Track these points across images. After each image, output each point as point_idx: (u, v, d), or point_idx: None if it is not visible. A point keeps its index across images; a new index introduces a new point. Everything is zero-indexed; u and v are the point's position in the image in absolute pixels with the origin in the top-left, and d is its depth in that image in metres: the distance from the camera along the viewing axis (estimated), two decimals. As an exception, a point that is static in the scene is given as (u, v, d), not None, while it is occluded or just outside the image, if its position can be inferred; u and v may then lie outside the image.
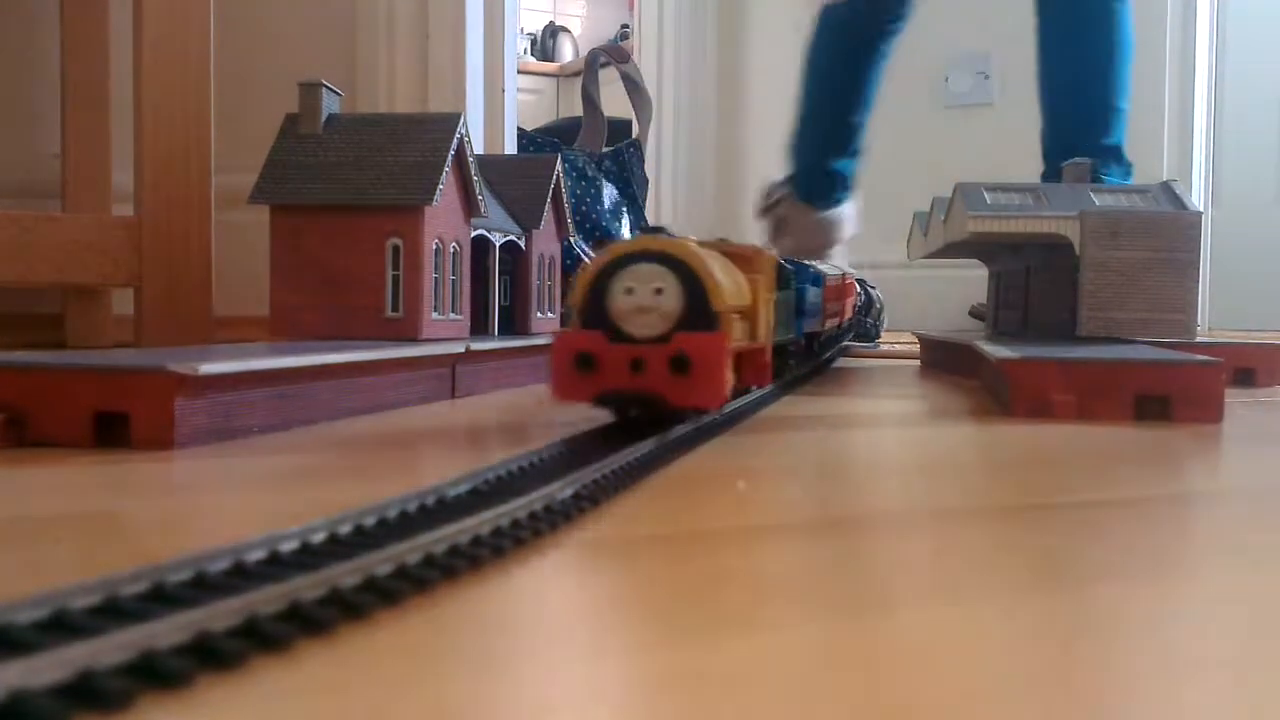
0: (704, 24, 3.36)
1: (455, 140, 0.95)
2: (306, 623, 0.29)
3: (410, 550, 0.35)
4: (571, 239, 1.49)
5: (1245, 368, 1.20)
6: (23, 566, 0.39)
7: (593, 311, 0.60)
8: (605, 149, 1.82)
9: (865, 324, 1.82)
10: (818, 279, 1.12)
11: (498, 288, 1.11)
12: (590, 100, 1.86)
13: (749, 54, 3.31)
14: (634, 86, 1.95)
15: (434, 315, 0.94)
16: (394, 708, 0.25)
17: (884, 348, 1.91)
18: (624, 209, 1.74)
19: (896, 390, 1.23)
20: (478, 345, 0.96)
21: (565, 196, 1.23)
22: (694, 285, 0.59)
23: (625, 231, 1.70)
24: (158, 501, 0.52)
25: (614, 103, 1.95)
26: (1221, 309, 2.73)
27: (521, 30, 4.38)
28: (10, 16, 1.53)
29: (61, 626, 0.26)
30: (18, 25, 1.53)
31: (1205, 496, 0.61)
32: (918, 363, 1.65)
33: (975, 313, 2.41)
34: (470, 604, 0.33)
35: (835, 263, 2.04)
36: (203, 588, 0.30)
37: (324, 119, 0.97)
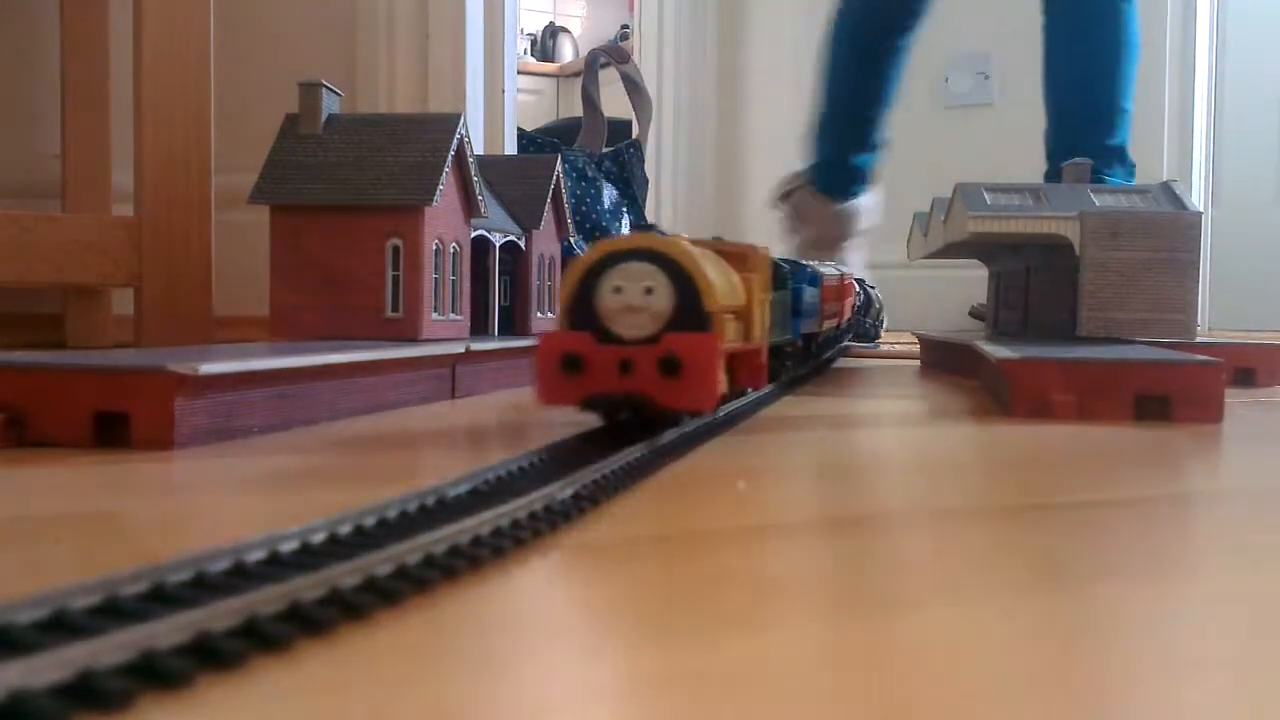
0: (704, 24, 3.36)
1: (455, 140, 0.95)
2: (306, 623, 0.29)
3: (410, 550, 0.35)
4: (571, 239, 1.49)
5: (1245, 368, 1.20)
6: (23, 566, 0.39)
7: (580, 311, 0.58)
8: (605, 149, 1.82)
9: (864, 324, 1.81)
10: (815, 279, 1.11)
11: (498, 288, 1.11)
12: (590, 100, 1.86)
13: (749, 54, 3.30)
14: (634, 87, 1.95)
15: (434, 315, 0.94)
16: (394, 708, 0.25)
17: (884, 348, 1.91)
18: (624, 209, 1.74)
19: (896, 390, 1.23)
20: (478, 345, 0.96)
21: (565, 197, 1.23)
22: (685, 284, 0.57)
23: (625, 232, 1.70)
24: (158, 501, 0.52)
25: (614, 103, 1.95)
26: (1221, 309, 2.73)
27: (521, 30, 4.38)
28: (10, 16, 1.53)
29: (61, 626, 0.26)
30: (18, 25, 1.53)
31: (1205, 496, 0.61)
32: (918, 363, 1.65)
33: (975, 313, 2.41)
34: (470, 604, 0.33)
35: (851, 258, 2.03)
36: (203, 588, 0.30)
37: (324, 119, 0.97)
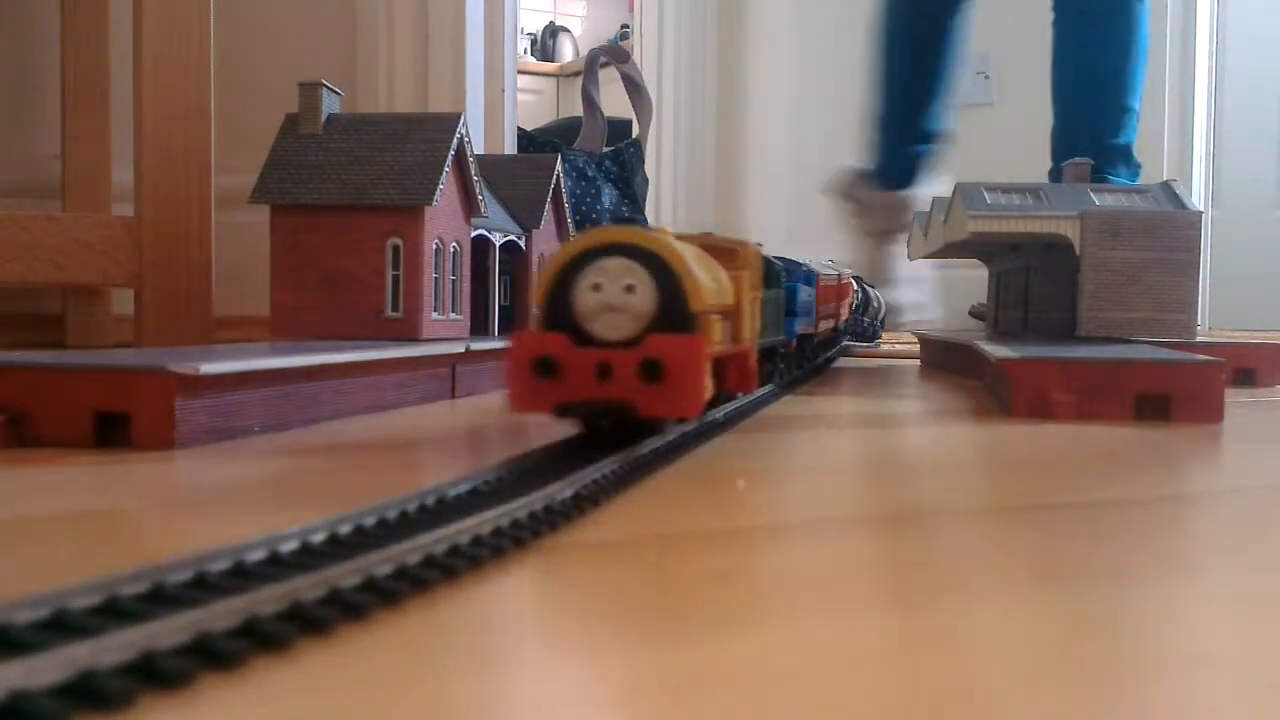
0: (704, 24, 3.36)
1: (455, 140, 0.95)
2: (306, 623, 0.29)
3: (410, 551, 0.35)
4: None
5: (1245, 368, 1.20)
6: (23, 566, 0.39)
7: (555, 311, 0.54)
8: (605, 149, 1.82)
9: (862, 323, 1.80)
10: (810, 278, 1.08)
11: (498, 288, 1.11)
12: (590, 100, 1.86)
13: (749, 54, 3.31)
14: (634, 86, 1.95)
15: (434, 315, 0.94)
16: (394, 708, 0.25)
17: (884, 348, 1.91)
18: (624, 209, 1.74)
19: (897, 390, 1.23)
20: (478, 345, 0.96)
21: (565, 196, 1.23)
22: (669, 282, 0.53)
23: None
24: (158, 501, 0.52)
25: (614, 103, 1.95)
26: (1222, 309, 2.73)
27: (521, 30, 4.38)
28: (10, 16, 1.53)
29: (62, 627, 0.26)
30: (18, 25, 1.53)
31: (1206, 496, 0.61)
32: (918, 363, 1.65)
33: (975, 313, 2.40)
34: (470, 604, 0.33)
35: (906, 278, 1.99)
36: (203, 588, 0.30)
37: (324, 119, 0.97)
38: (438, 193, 0.91)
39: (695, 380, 0.52)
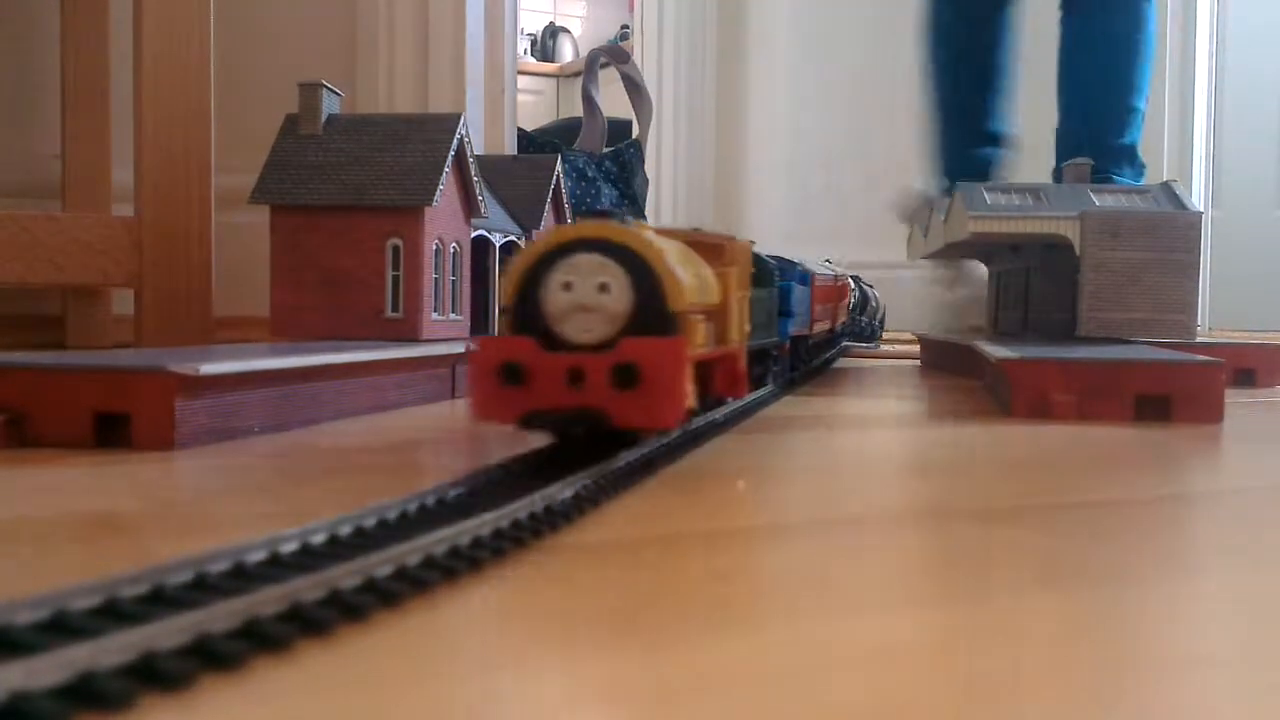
0: (704, 24, 3.36)
1: (455, 141, 0.95)
2: (307, 624, 0.29)
3: (410, 552, 0.35)
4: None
5: (1245, 368, 1.20)
6: (23, 567, 0.39)
7: (524, 312, 0.50)
8: (605, 149, 1.82)
9: (860, 323, 1.79)
10: (805, 277, 1.05)
11: (498, 288, 1.11)
12: (590, 101, 1.86)
13: (749, 54, 3.30)
14: (634, 87, 1.95)
15: (434, 315, 0.94)
16: (394, 708, 0.25)
17: (884, 348, 1.91)
18: (624, 209, 1.74)
19: (897, 390, 1.23)
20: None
21: (565, 197, 1.23)
22: (646, 280, 0.50)
23: None
24: (158, 502, 0.52)
25: (614, 103, 1.95)
26: (1222, 309, 2.73)
27: (521, 30, 4.38)
28: (10, 16, 1.53)
29: (62, 628, 0.26)
30: (18, 25, 1.53)
31: (1206, 496, 0.61)
32: (918, 363, 1.65)
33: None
34: (470, 605, 0.33)
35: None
36: (203, 589, 0.30)
37: (324, 119, 0.97)
38: (438, 193, 0.91)
39: (674, 387, 0.48)
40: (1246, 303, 2.80)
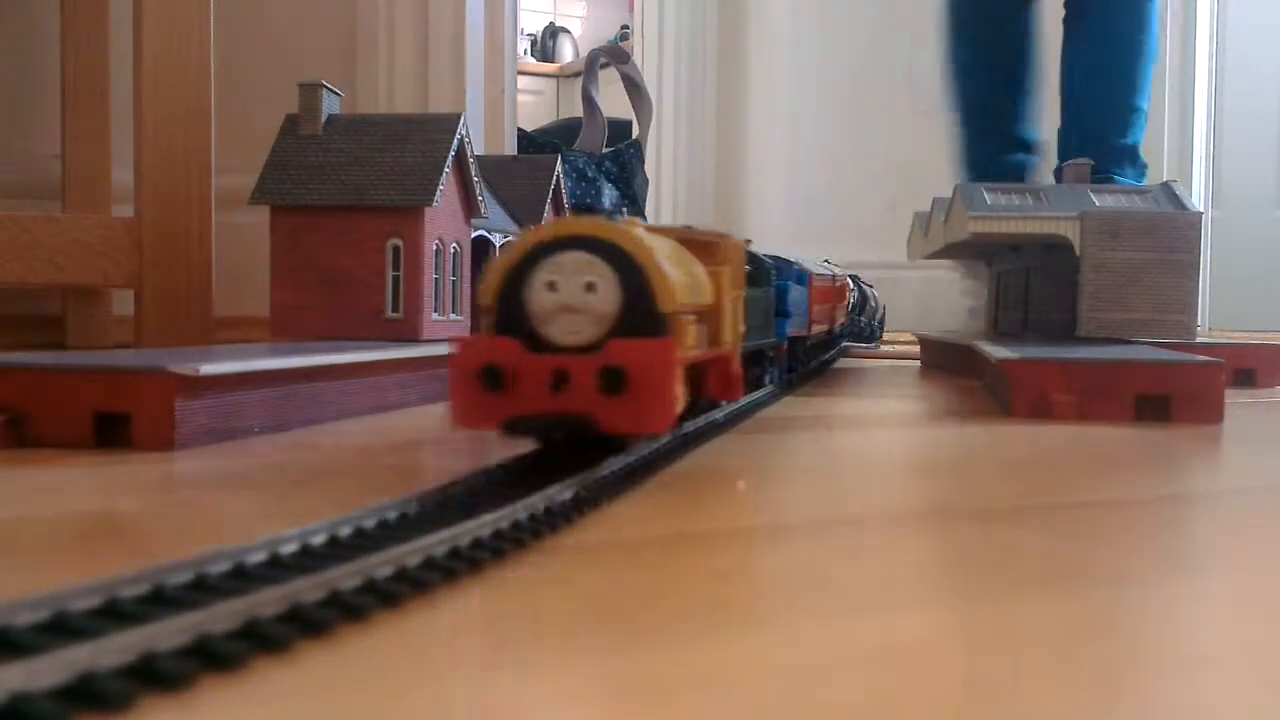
0: (704, 24, 3.36)
1: (455, 141, 0.95)
2: (306, 624, 0.29)
3: (410, 553, 0.34)
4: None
5: (1245, 368, 1.20)
6: (23, 567, 0.39)
7: (507, 312, 0.48)
8: (605, 149, 1.82)
9: (859, 323, 1.78)
10: (803, 276, 1.03)
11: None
12: (590, 101, 1.86)
13: (749, 54, 3.30)
14: (634, 87, 1.95)
15: (434, 316, 0.94)
16: (394, 708, 0.25)
17: (884, 348, 1.91)
18: (624, 209, 1.74)
19: (897, 390, 1.23)
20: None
21: (565, 197, 1.23)
22: (635, 279, 0.47)
23: None
24: (158, 502, 0.52)
25: (614, 103, 1.95)
26: (1222, 310, 2.73)
27: (521, 31, 4.38)
28: (10, 16, 1.53)
29: (62, 629, 0.26)
30: (18, 25, 1.53)
31: (1206, 497, 0.61)
32: (918, 363, 1.65)
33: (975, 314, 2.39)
34: (470, 605, 0.33)
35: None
36: (203, 590, 0.30)
37: (324, 119, 0.97)
38: (438, 193, 0.91)
39: (663, 391, 0.46)
40: (1246, 303, 2.80)
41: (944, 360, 1.51)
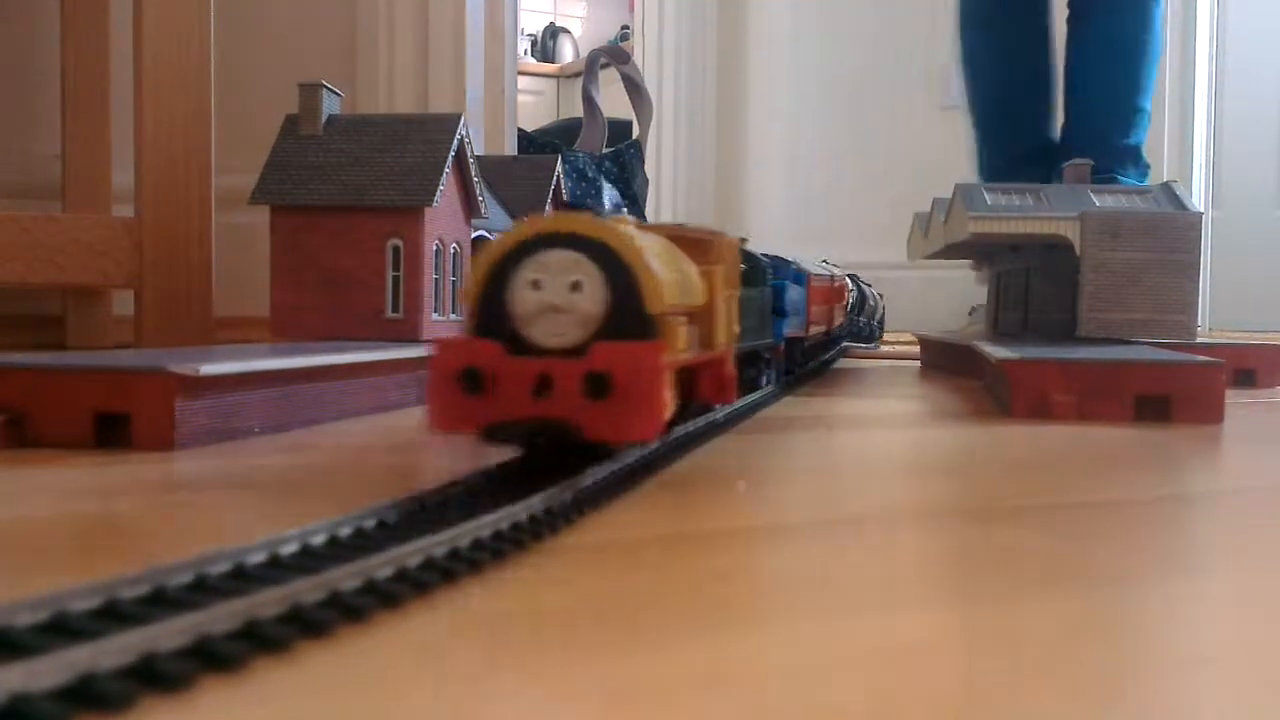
0: (704, 24, 3.36)
1: (455, 141, 0.95)
2: (306, 625, 0.29)
3: (410, 554, 0.34)
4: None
5: (1246, 368, 1.20)
6: (22, 567, 0.39)
7: (488, 313, 0.46)
8: (605, 150, 1.82)
9: (858, 323, 1.77)
10: (800, 276, 1.01)
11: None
12: (590, 101, 1.86)
13: (749, 54, 3.31)
14: (634, 87, 1.95)
15: (434, 316, 0.94)
16: (394, 708, 0.25)
17: (884, 348, 1.91)
18: (625, 210, 1.74)
19: (897, 391, 1.23)
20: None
21: (565, 197, 1.23)
22: (622, 279, 0.46)
23: None
24: (158, 502, 0.52)
25: (614, 104, 1.95)
26: (1222, 310, 2.73)
27: (521, 31, 4.38)
28: (10, 16, 1.53)
29: (62, 629, 0.26)
30: (18, 25, 1.53)
31: (1207, 497, 0.61)
32: (918, 363, 1.65)
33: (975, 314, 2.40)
34: (470, 606, 0.33)
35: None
36: (203, 590, 0.30)
37: (324, 120, 0.97)
38: (438, 194, 0.91)
39: (650, 397, 0.44)
40: (1246, 303, 2.80)
41: (944, 360, 1.51)
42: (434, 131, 0.96)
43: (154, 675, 0.25)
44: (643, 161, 1.85)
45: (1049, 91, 1.85)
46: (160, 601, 0.29)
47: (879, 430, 0.88)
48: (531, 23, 4.66)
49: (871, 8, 2.90)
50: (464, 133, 0.96)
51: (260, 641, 0.28)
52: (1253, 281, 2.90)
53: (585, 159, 1.72)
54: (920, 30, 2.76)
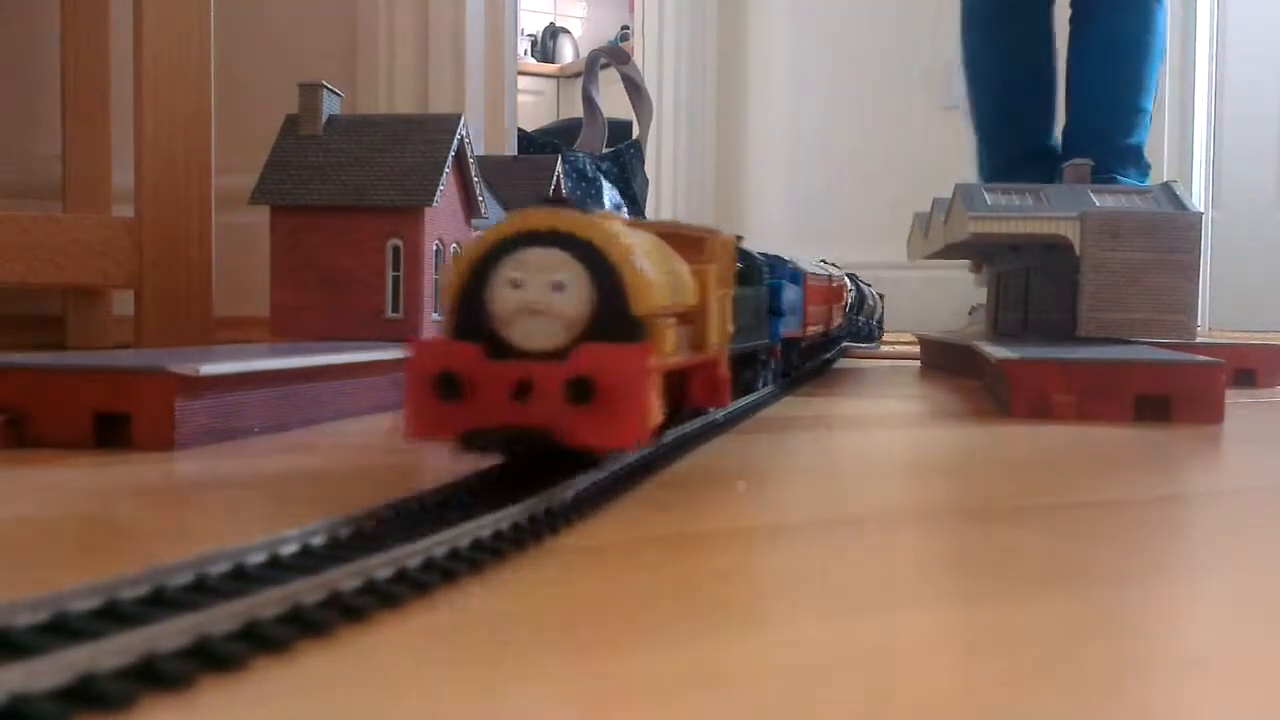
0: (704, 24, 3.36)
1: (455, 141, 0.95)
2: (306, 625, 0.29)
3: (410, 554, 0.34)
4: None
5: (1245, 368, 1.20)
6: (23, 567, 0.39)
7: (467, 314, 0.44)
8: (605, 150, 1.82)
9: (857, 323, 1.76)
10: (797, 275, 0.99)
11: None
12: (590, 101, 1.86)
13: (749, 54, 3.31)
14: (634, 88, 1.95)
15: (434, 316, 0.94)
16: (394, 708, 0.25)
17: (884, 348, 1.91)
18: (625, 210, 1.74)
19: (897, 391, 1.23)
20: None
21: (565, 197, 1.23)
22: (607, 278, 0.44)
23: None
24: (159, 503, 0.52)
25: (614, 104, 1.95)
26: (1222, 310, 2.73)
27: (521, 31, 4.38)
28: (10, 17, 1.53)
29: (62, 630, 0.26)
30: (18, 26, 1.53)
31: (1206, 497, 0.61)
32: (918, 363, 1.65)
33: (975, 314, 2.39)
34: (470, 606, 0.33)
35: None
36: (203, 591, 0.30)
37: (324, 120, 0.97)
38: (438, 194, 0.91)
39: (635, 402, 0.42)
40: (1246, 303, 2.80)
41: (944, 360, 1.51)
42: (434, 131, 0.96)
43: (154, 675, 0.25)
44: (643, 162, 1.85)
45: (1050, 91, 1.85)
46: (160, 602, 0.29)
47: (879, 430, 0.88)
48: (531, 23, 4.66)
49: (872, 8, 2.90)
50: (464, 133, 0.96)
51: (260, 641, 0.28)
52: (1252, 282, 2.90)
53: (585, 159, 1.72)
54: (921, 30, 2.76)
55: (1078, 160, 1.45)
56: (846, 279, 1.56)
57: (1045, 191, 1.30)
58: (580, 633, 0.32)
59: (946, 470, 0.69)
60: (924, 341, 1.69)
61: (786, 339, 0.97)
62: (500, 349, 0.44)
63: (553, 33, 4.73)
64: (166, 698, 0.25)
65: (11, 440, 0.63)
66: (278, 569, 0.32)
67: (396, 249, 0.92)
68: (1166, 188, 1.31)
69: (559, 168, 1.19)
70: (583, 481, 0.47)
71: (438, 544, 0.36)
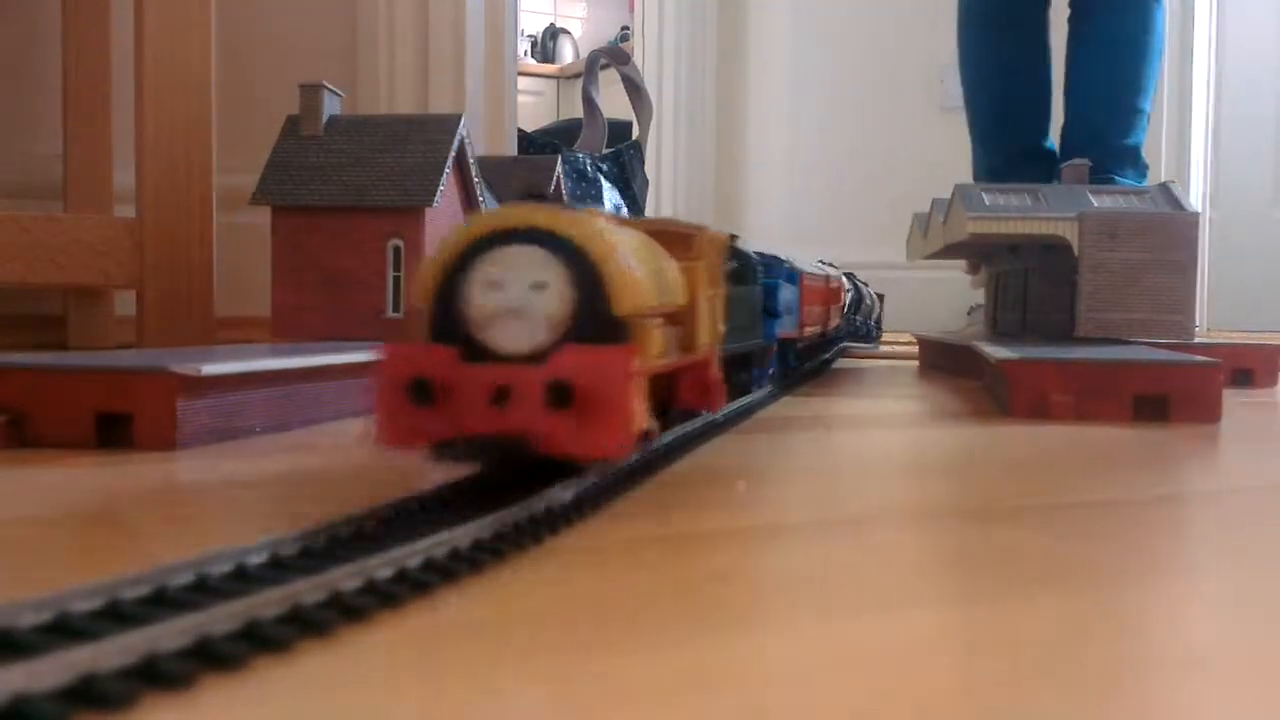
0: (704, 25, 3.36)
1: (456, 141, 0.95)
2: (307, 625, 0.29)
3: (410, 554, 0.35)
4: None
5: (1243, 368, 1.20)
6: (24, 568, 0.39)
7: (442, 316, 0.42)
8: (605, 150, 1.82)
9: (855, 323, 1.76)
10: (793, 275, 0.98)
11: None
12: (590, 102, 1.86)
13: (749, 55, 3.31)
14: (634, 88, 1.95)
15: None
16: (394, 708, 0.25)
17: (883, 349, 1.91)
18: (625, 210, 1.74)
19: (896, 391, 1.23)
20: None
21: (565, 198, 1.23)
22: (589, 277, 0.42)
23: None
24: (160, 503, 0.52)
25: (614, 104, 1.95)
26: (1220, 310, 2.73)
27: (521, 32, 4.38)
28: (10, 17, 1.53)
29: (64, 630, 0.26)
30: (18, 26, 1.53)
31: (1205, 497, 0.61)
32: (917, 363, 1.65)
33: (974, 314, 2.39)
34: (470, 606, 0.33)
35: None
36: (204, 591, 0.30)
37: (325, 120, 0.97)
38: (438, 194, 0.91)
39: (618, 408, 0.40)
40: (1244, 303, 2.81)
41: (943, 360, 1.51)
42: (434, 132, 0.96)
43: (155, 675, 0.25)
44: (643, 162, 1.85)
45: (1046, 92, 1.84)
46: (162, 602, 0.29)
47: (878, 430, 0.88)
48: (531, 23, 4.66)
49: (871, 8, 2.90)
50: (464, 133, 0.96)
51: (261, 641, 0.28)
52: (1250, 282, 2.90)
53: (585, 159, 1.72)
54: (920, 31, 2.76)
55: (1076, 160, 1.45)
56: (844, 279, 1.55)
57: (1044, 192, 1.30)
58: (580, 633, 0.32)
59: (946, 470, 0.69)
60: (923, 342, 1.69)
61: (783, 339, 0.96)
62: (477, 352, 0.42)
63: (553, 33, 4.73)
64: (167, 697, 0.25)
65: (12, 440, 0.63)
66: (278, 569, 0.32)
67: (397, 249, 0.92)
68: (1164, 188, 1.31)
69: (559, 168, 1.20)
70: (583, 482, 0.47)
71: (438, 544, 0.36)
